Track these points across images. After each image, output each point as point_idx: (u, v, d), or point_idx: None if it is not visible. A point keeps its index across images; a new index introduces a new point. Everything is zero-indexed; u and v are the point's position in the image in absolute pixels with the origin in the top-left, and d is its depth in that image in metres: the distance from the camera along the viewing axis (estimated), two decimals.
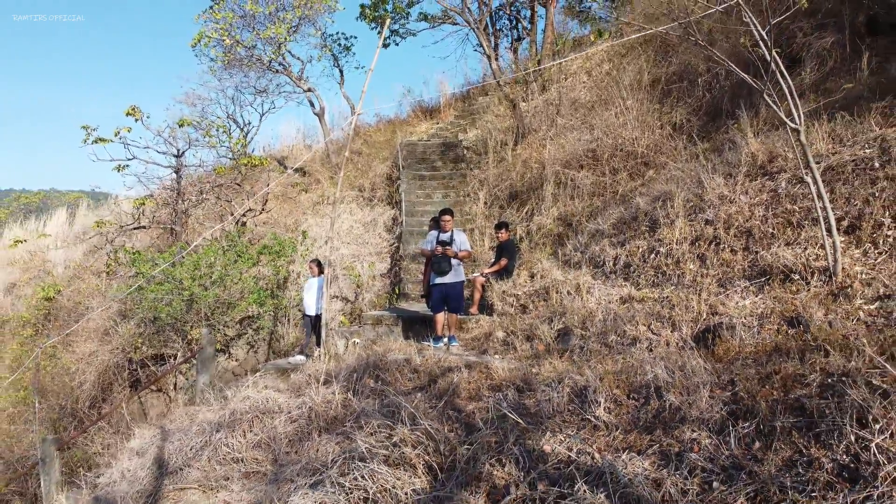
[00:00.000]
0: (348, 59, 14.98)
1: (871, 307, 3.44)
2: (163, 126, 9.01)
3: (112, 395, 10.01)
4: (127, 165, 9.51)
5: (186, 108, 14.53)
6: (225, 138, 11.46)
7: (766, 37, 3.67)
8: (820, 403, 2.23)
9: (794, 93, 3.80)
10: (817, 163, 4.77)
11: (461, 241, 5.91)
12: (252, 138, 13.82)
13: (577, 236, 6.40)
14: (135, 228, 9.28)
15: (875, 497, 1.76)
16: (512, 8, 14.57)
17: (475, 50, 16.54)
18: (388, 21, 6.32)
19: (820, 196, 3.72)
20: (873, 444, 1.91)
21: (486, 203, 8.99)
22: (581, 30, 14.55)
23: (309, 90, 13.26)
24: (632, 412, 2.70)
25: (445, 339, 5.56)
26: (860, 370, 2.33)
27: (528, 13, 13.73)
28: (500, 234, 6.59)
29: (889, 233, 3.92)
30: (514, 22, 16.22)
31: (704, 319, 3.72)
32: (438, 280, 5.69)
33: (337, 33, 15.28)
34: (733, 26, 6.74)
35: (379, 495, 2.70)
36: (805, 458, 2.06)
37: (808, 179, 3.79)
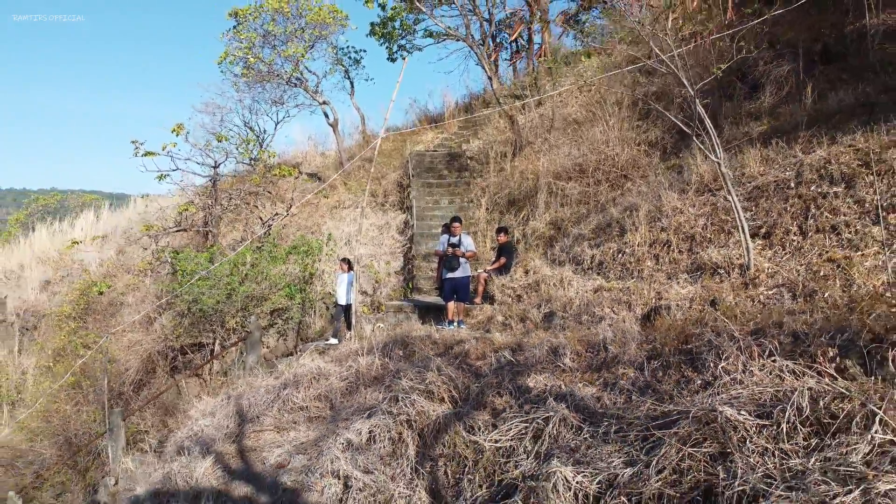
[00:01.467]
0: (358, 71, 16.31)
1: (770, 292, 4.77)
2: (200, 141, 10.31)
3: (154, 379, 11.37)
4: (168, 175, 10.89)
5: (206, 116, 15.84)
6: (254, 150, 12.82)
7: (695, 95, 4.98)
8: (701, 348, 3.56)
9: (715, 134, 5.12)
10: (749, 181, 6.12)
11: (467, 244, 7.26)
12: (268, 145, 15.17)
13: (563, 239, 7.75)
14: (176, 231, 10.62)
15: (714, 393, 3.08)
16: (510, 27, 15.91)
17: (477, 65, 17.86)
18: (404, 65, 7.63)
19: (737, 211, 5.05)
20: (720, 367, 3.25)
21: (487, 209, 10.33)
22: (575, 43, 15.95)
23: (324, 103, 14.59)
24: (587, 360, 4.03)
25: (455, 323, 6.91)
26: (728, 328, 3.67)
27: (526, 32, 15.06)
28: (499, 238, 7.94)
29: (794, 238, 5.26)
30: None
31: (652, 303, 5.06)
32: (449, 275, 7.04)
33: (348, 47, 16.61)
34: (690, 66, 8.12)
35: (417, 417, 4.04)
36: (686, 379, 3.40)
37: (731, 198, 5.12)
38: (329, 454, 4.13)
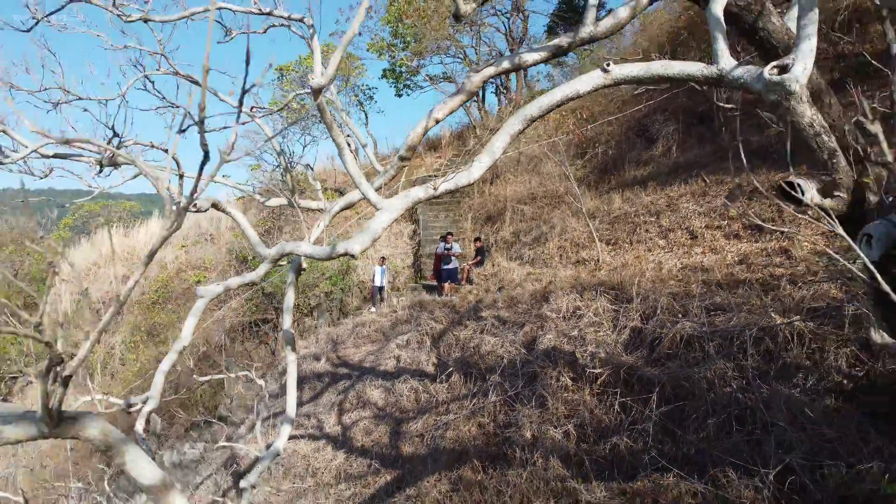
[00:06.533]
0: (371, 105, 21.66)
1: (606, 273, 10.05)
2: (268, 174, 15.63)
3: (234, 344, 16.68)
4: (243, 196, 16.19)
5: (247, 141, 21.11)
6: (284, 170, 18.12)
7: (568, 168, 10.29)
8: (550, 295, 8.89)
9: (578, 190, 10.43)
10: (613, 212, 11.41)
11: (456, 248, 12.59)
12: (297, 164, 20.46)
13: (518, 244, 13.06)
14: None
15: (546, 307, 8.40)
16: None
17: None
18: (403, 174, 12.88)
19: (593, 231, 10.34)
20: (551, 299, 8.57)
21: (472, 222, 15.65)
22: (549, 83, 21.29)
23: (348, 135, 19.91)
24: (509, 303, 9.35)
25: (448, 296, 12.22)
26: (561, 286, 8.98)
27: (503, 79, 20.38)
28: (475, 244, 13.26)
29: (626, 245, 10.55)
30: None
31: (549, 280, 10.39)
32: (445, 267, 12.37)
33: (363, 85, 21.99)
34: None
35: (430, 330, 9.38)
36: (540, 305, 8.74)
37: (590, 225, 10.42)
38: (389, 348, 9.48)
